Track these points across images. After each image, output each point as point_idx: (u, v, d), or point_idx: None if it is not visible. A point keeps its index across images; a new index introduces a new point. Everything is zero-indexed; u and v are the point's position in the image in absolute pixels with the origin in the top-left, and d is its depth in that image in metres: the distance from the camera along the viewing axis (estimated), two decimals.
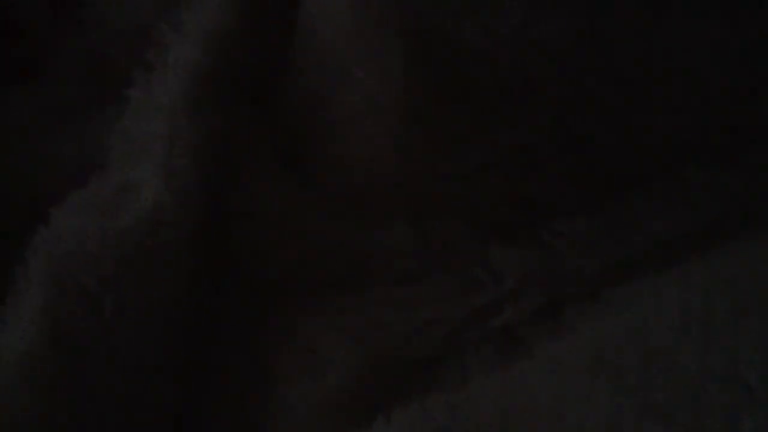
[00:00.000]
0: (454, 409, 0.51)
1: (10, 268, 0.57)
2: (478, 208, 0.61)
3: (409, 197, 0.61)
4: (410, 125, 0.60)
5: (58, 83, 0.71)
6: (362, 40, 0.60)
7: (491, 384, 0.52)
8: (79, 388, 0.55)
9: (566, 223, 0.59)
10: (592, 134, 0.60)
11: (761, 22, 0.60)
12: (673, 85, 0.60)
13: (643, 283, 0.54)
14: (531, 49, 0.58)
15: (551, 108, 0.59)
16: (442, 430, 0.50)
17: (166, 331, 0.57)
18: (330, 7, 0.61)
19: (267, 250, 0.61)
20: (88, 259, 0.56)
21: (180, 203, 0.58)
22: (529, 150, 0.60)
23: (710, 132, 0.60)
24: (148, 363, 0.57)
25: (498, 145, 0.60)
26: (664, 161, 0.60)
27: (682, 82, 0.60)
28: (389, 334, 0.58)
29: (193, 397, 0.58)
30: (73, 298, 0.56)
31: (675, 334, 0.49)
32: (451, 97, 0.60)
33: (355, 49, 0.60)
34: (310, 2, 0.62)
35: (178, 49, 0.62)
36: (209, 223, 0.60)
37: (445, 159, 0.60)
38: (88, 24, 0.71)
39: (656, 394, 0.47)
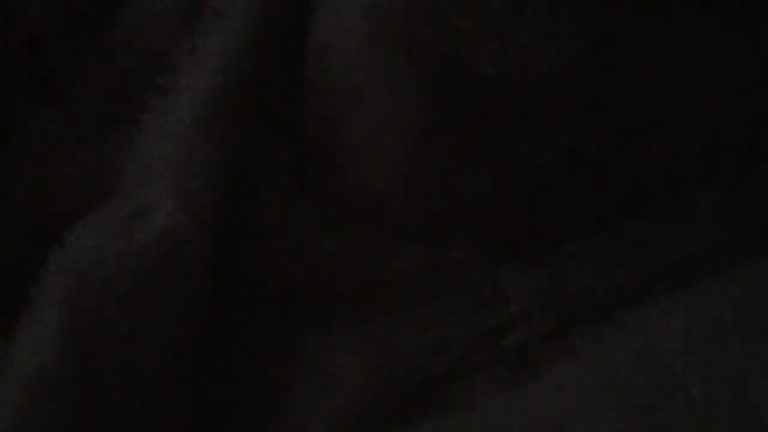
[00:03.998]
0: (464, 429, 0.51)
1: (25, 287, 0.58)
2: (490, 229, 0.61)
3: (421, 217, 0.61)
4: (424, 147, 0.60)
5: (75, 105, 0.71)
6: (377, 65, 0.60)
7: (501, 405, 0.52)
8: (93, 404, 0.55)
9: (576, 245, 0.59)
10: (602, 156, 0.60)
11: None
12: (684, 106, 0.60)
13: (651, 306, 0.54)
14: (542, 73, 0.58)
15: (563, 130, 0.60)
16: None
17: (180, 348, 0.57)
18: (344, 32, 0.61)
19: (280, 268, 0.62)
20: (103, 279, 0.56)
21: (194, 225, 0.58)
22: (541, 171, 0.60)
23: (720, 154, 0.60)
24: (162, 380, 0.57)
25: (510, 166, 0.60)
26: (674, 183, 0.60)
27: (693, 103, 0.60)
28: (399, 354, 0.58)
29: (205, 413, 0.58)
30: (89, 318, 0.56)
31: (683, 357, 0.49)
32: (464, 120, 0.60)
33: (370, 73, 0.60)
34: (325, 26, 0.62)
35: (191, 74, 0.63)
36: (223, 243, 0.60)
37: (457, 180, 0.61)
38: (106, 46, 0.71)
39: (663, 416, 0.48)
